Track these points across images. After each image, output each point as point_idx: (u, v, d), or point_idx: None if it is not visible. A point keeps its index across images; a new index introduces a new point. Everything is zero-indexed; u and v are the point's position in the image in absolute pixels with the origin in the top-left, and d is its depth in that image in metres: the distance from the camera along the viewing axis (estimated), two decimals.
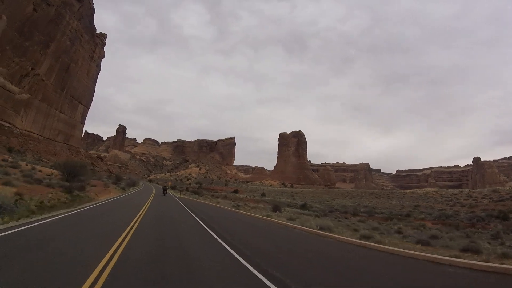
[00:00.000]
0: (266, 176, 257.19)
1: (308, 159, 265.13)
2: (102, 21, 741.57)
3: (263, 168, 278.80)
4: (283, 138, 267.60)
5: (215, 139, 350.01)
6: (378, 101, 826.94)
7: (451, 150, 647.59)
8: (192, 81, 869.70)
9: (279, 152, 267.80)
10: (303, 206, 57.89)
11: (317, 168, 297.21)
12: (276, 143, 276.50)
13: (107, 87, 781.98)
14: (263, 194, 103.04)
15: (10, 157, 51.55)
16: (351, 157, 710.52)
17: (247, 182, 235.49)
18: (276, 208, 40.54)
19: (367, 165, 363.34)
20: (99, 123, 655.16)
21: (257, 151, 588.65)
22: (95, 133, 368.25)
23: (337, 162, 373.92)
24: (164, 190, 60.80)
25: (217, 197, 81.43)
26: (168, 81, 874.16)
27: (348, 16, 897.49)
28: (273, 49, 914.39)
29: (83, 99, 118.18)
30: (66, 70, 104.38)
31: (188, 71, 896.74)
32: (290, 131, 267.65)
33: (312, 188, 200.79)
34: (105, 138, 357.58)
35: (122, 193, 39.16)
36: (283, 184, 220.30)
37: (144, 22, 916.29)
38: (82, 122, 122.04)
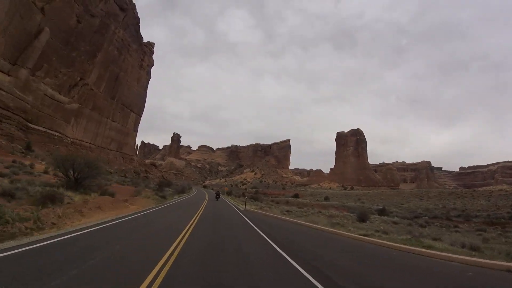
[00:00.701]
0: (323, 179, 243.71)
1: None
2: (153, 36, 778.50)
3: (320, 171, 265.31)
4: (341, 138, 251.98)
5: (270, 143, 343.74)
6: (436, 91, 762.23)
7: None
8: (244, 85, 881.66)
9: (337, 152, 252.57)
10: (382, 212, 47.10)
11: (375, 168, 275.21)
12: (332, 144, 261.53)
13: (164, 98, 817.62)
14: (326, 198, 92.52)
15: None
16: (409, 155, 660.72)
17: (304, 185, 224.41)
18: (362, 217, 30.96)
19: (429, 163, 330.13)
20: (157, 132, 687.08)
21: (313, 153, 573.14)
22: (151, 143, 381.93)
23: (396, 161, 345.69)
24: (217, 195, 59.79)
25: (278, 203, 73.08)
26: (221, 87, 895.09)
27: (395, 3, 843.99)
28: (322, 47, 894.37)
29: (135, 107, 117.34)
30: (115, 79, 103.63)
31: (240, 75, 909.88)
32: (348, 130, 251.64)
33: (374, 189, 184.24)
34: (161, 147, 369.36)
35: (156, 204, 31.87)
36: (342, 186, 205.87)
37: (193, 33, 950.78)
38: (135, 130, 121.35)
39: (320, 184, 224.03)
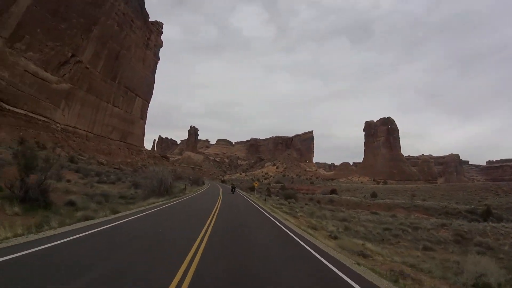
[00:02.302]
0: (352, 172, 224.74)
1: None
2: (166, 34, 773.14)
3: (347, 163, 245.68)
4: (370, 127, 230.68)
5: (291, 135, 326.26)
6: (455, 84, 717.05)
7: None
8: (259, 81, 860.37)
9: (366, 143, 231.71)
10: (489, 213, 30.62)
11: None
12: (350, 138, 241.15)
13: (179, 96, 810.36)
14: (374, 195, 75.48)
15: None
16: (429, 150, 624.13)
17: (332, 179, 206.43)
18: None
19: (457, 156, 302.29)
20: (174, 128, 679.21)
21: (330, 147, 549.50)
22: (169, 137, 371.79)
23: (422, 154, 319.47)
24: (233, 189, 57.63)
25: (318, 202, 57.27)
26: (236, 83, 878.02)
27: None
28: (337, 40, 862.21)
29: (141, 91, 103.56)
30: (115, 57, 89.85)
31: (253, 71, 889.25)
32: (378, 118, 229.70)
33: (410, 183, 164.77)
34: (178, 142, 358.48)
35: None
36: (374, 180, 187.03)
37: (205, 29, 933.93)
38: (143, 118, 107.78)
39: (348, 178, 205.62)
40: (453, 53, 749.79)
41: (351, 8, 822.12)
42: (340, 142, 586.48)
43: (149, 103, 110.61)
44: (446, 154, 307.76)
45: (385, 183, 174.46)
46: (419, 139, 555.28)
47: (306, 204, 45.23)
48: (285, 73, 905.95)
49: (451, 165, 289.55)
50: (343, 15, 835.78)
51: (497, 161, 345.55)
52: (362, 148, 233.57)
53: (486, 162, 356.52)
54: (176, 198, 29.93)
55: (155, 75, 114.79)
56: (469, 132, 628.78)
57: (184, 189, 41.78)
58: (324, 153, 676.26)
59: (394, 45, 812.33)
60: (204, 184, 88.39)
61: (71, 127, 74.78)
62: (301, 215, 26.16)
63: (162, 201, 25.07)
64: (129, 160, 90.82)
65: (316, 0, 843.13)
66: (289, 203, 40.24)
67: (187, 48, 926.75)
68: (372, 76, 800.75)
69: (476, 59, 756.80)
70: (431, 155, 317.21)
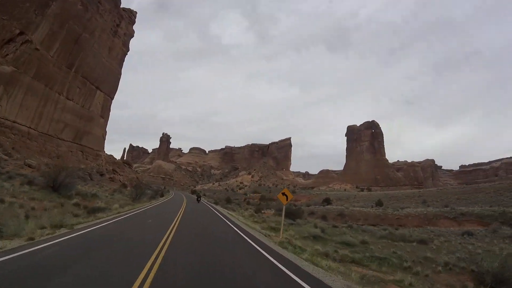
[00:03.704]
0: (333, 180, 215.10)
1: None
2: (146, 40, 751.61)
3: (328, 170, 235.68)
4: (353, 132, 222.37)
5: (267, 143, 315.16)
6: (430, 92, 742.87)
7: None
8: (238, 89, 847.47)
9: (348, 149, 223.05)
10: None
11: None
12: (327, 146, 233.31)
13: (155, 102, 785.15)
14: (379, 203, 63.79)
15: None
16: (405, 156, 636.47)
17: (312, 187, 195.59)
18: None
19: (433, 161, 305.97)
20: (147, 137, 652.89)
21: (306, 156, 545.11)
22: (140, 146, 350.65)
23: (398, 160, 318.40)
24: (198, 198, 63.32)
25: (323, 218, 45.03)
26: (215, 91, 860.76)
27: (390, 3, 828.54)
28: (316, 49, 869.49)
29: (104, 84, 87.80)
30: (75, 41, 74.13)
31: (233, 79, 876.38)
32: (362, 122, 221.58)
33: (395, 189, 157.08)
34: (150, 151, 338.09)
35: None
36: (357, 187, 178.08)
37: (185, 36, 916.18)
38: (104, 117, 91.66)
39: (330, 185, 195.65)
40: (427, 61, 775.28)
41: (330, 15, 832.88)
42: (314, 150, 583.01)
43: (112, 99, 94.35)
44: (421, 160, 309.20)
45: (369, 190, 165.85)
46: (393, 146, 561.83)
47: (307, 221, 32.32)
48: (264, 81, 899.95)
49: (427, 170, 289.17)
50: (322, 22, 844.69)
51: (470, 165, 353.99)
52: (338, 155, 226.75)
53: (459, 166, 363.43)
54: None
55: (122, 68, 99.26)
56: (441, 138, 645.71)
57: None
58: (298, 162, 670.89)
59: (371, 53, 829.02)
60: (162, 196, 75.63)
61: (9, 120, 58.38)
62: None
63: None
64: (82, 166, 74.64)
65: (297, 8, 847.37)
66: (300, 225, 26.92)
67: (166, 54, 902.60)
68: (348, 84, 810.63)
69: (449, 67, 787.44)
70: (406, 161, 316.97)
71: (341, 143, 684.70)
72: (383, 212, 44.16)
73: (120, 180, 77.33)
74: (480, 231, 24.77)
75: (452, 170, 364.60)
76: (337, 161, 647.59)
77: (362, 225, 39.76)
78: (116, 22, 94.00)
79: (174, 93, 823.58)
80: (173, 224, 18.42)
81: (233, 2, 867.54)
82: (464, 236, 22.64)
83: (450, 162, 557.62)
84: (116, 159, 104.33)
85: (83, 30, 75.88)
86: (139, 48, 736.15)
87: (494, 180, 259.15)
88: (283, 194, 18.30)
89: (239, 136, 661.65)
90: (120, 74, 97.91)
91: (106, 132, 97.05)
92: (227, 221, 25.36)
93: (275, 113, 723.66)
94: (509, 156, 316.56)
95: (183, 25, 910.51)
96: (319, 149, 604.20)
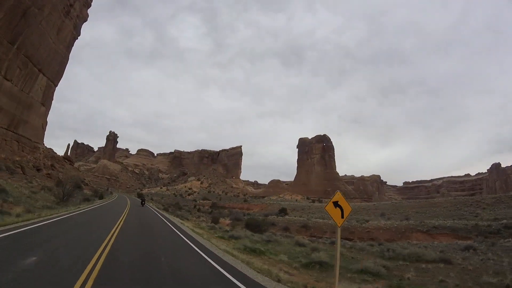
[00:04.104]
0: (283, 190, 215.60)
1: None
2: (98, 33, 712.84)
3: (278, 181, 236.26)
4: (304, 145, 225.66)
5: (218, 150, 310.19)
6: (376, 112, 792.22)
7: (455, 158, 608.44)
8: (190, 94, 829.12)
9: (299, 161, 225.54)
10: None
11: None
12: (274, 158, 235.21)
13: (104, 100, 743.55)
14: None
15: None
16: (350, 171, 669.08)
17: (262, 197, 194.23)
18: None
19: (379, 177, 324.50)
20: (94, 135, 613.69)
21: (253, 166, 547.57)
22: (85, 143, 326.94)
23: (345, 174, 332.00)
24: (143, 201, 62.30)
25: (286, 230, 42.75)
26: (166, 94, 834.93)
27: (346, 27, 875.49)
28: (270, 62, 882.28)
29: (48, 68, 78.62)
30: (22, 14, 65.02)
31: (186, 84, 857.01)
32: (313, 136, 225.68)
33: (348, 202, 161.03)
34: (96, 149, 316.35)
35: None
36: (307, 198, 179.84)
37: (141, 35, 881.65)
38: (45, 105, 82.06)
39: (280, 195, 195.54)
40: (374, 84, 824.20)
41: (287, 32, 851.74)
42: (263, 160, 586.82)
43: (56, 86, 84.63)
44: (366, 175, 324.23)
45: (320, 201, 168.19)
46: (340, 160, 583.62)
47: (270, 235, 28.22)
48: (216, 89, 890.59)
49: (374, 185, 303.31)
50: (279, 38, 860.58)
51: (412, 182, 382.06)
52: (287, 166, 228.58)
53: (403, 183, 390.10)
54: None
55: (70, 53, 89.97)
56: (385, 156, 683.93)
57: None
58: (247, 171, 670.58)
59: (324, 72, 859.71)
60: (101, 199, 66.98)
61: None
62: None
63: None
64: (17, 158, 65.21)
65: (256, 20, 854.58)
66: (267, 243, 22.52)
67: (119, 52, 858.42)
68: (300, 99, 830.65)
69: (394, 91, 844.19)
70: (353, 175, 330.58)
71: (290, 155, 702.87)
72: (350, 225, 42.64)
73: (58, 177, 68.68)
74: (479, 245, 23.44)
75: (396, 186, 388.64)
76: (285, 172, 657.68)
77: (329, 238, 37.90)
78: (69, 2, 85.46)
79: (124, 92, 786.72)
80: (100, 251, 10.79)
81: (195, 6, 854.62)
82: (469, 250, 21.06)
83: (393, 179, 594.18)
84: (56, 154, 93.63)
85: (32, 3, 67.29)
86: (89, 39, 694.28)
87: (435, 196, 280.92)
88: (336, 205, 9.91)
89: (189, 141, 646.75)
90: (67, 59, 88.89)
91: (46, 122, 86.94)
92: (184, 238, 18.57)
93: (225, 121, 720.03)
94: (449, 176, 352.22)
95: (140, 23, 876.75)
96: (268, 160, 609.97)
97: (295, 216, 67.39)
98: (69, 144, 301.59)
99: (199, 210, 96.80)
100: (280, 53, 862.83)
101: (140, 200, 65.16)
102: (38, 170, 67.29)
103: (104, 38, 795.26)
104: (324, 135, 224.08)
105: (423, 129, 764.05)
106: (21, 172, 59.29)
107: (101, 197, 69.43)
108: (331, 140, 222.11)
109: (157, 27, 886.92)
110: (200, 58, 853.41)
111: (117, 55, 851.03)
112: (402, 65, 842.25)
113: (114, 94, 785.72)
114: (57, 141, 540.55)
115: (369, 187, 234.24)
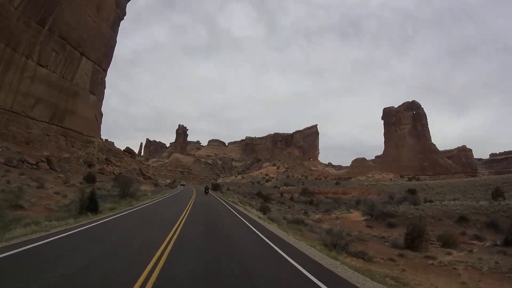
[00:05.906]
0: (370, 169, 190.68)
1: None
2: (154, 36, 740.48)
3: (363, 159, 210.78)
4: (390, 115, 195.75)
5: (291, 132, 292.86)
6: (447, 78, 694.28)
7: None
8: (250, 82, 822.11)
9: (386, 133, 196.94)
10: None
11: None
12: (346, 136, 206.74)
13: (170, 99, 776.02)
14: (497, 193, 40.96)
15: None
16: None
17: (348, 178, 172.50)
18: None
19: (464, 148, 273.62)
20: (165, 133, 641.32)
21: (325, 148, 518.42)
22: (157, 140, 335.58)
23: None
24: (206, 190, 54.99)
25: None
26: (227, 85, 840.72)
27: None
28: (327, 38, 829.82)
29: (91, 50, 68.60)
30: None
31: (245, 72, 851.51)
32: (400, 103, 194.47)
33: (447, 178, 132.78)
34: (167, 145, 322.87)
35: None
36: (401, 176, 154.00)
37: (194, 30, 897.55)
38: (95, 93, 72.46)
39: (368, 175, 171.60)
40: (443, 47, 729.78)
41: (341, 4, 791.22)
42: (332, 141, 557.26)
43: (105, 71, 74.91)
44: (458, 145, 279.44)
45: (417, 179, 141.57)
46: None
47: None
48: (277, 73, 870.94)
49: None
50: (332, 11, 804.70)
51: (500, 154, 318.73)
52: (361, 145, 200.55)
53: (489, 155, 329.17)
54: None
55: (117, 35, 79.78)
56: (466, 125, 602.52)
57: None
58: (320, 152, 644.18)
59: (385, 41, 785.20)
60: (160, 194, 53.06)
61: None
62: None
63: None
64: (66, 155, 55.64)
65: None
66: None
67: (177, 51, 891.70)
68: (363, 73, 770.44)
69: (466, 52, 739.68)
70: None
71: (361, 132, 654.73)
72: None
73: (113, 172, 57.85)
74: None
75: (481, 158, 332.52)
76: (358, 152, 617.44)
77: None
78: None
79: (187, 88, 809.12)
80: None
81: None
82: None
83: (479, 150, 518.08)
84: (114, 146, 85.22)
85: None
86: (148, 43, 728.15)
87: None
88: None
89: (256, 128, 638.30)
90: (114, 41, 78.61)
91: (101, 114, 78.04)
92: None
93: (290, 104, 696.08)
94: None
95: (191, 20, 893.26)
96: (337, 140, 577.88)
97: (432, 203, 45.60)
98: (141, 143, 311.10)
99: (292, 199, 78.83)
100: (336, 27, 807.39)
101: (204, 189, 57.27)
102: (90, 165, 57.21)
103: (159, 40, 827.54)
104: (413, 101, 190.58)
105: (503, 92, 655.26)
106: (67, 171, 48.80)
107: (131, 196, 56.61)
108: (422, 107, 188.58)
109: (208, 21, 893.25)
110: (256, 44, 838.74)
111: (175, 54, 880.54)
112: (470, 23, 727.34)
113: (179, 91, 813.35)
114: (133, 141, 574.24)
115: (472, 159, 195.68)
